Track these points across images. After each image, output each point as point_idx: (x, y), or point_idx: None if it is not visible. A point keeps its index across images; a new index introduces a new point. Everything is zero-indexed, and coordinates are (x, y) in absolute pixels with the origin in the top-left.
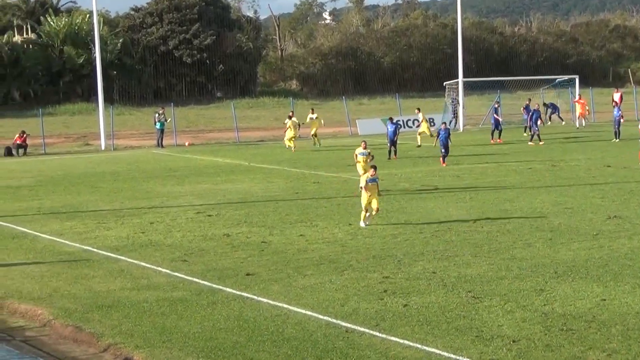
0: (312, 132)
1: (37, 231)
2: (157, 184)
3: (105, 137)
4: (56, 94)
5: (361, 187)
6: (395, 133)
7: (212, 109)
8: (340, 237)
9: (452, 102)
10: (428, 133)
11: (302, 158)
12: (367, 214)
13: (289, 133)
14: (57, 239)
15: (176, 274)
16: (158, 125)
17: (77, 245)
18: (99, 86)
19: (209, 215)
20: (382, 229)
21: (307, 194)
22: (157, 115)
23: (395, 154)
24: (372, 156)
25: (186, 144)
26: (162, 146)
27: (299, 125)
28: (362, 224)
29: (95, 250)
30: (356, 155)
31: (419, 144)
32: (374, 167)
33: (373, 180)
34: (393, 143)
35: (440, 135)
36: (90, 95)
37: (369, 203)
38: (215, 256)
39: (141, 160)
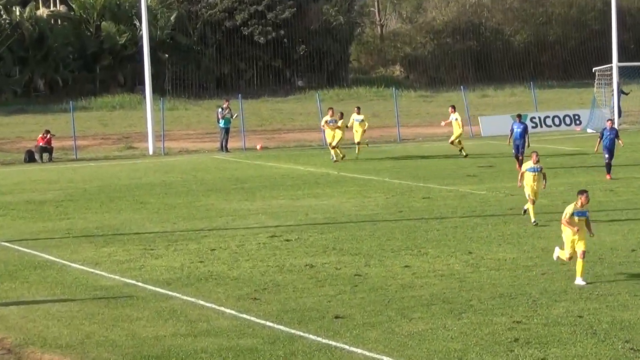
0: (357, 140)
1: (65, 259)
2: (220, 199)
3: (154, 139)
4: (91, 82)
5: (565, 220)
6: (523, 135)
7: (291, 102)
8: (457, 269)
9: (612, 93)
10: (455, 139)
11: (407, 166)
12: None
13: (336, 134)
14: (92, 270)
15: (244, 315)
16: (222, 124)
17: (117, 277)
18: (147, 73)
19: (287, 240)
20: (511, 259)
21: (415, 213)
22: (220, 110)
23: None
24: (545, 175)
25: (257, 147)
26: (226, 150)
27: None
28: (579, 281)
29: (140, 284)
30: (523, 172)
31: (464, 154)
32: (584, 193)
33: (582, 213)
34: (520, 149)
35: (604, 137)
36: (135, 85)
37: (576, 244)
38: (294, 293)
39: (200, 168)
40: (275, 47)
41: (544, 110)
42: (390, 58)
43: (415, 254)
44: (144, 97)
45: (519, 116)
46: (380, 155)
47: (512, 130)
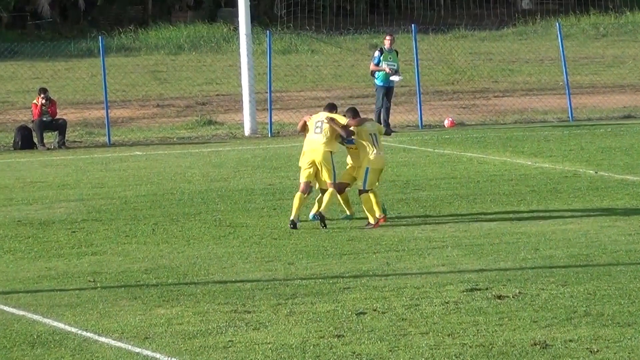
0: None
1: (89, 329)
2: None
3: (254, 107)
4: (137, 2)
5: None
6: None
7: (509, 39)
8: None
9: None
10: None
11: None
12: None
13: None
14: (137, 349)
15: None
16: (380, 79)
17: None
18: None
19: (499, 298)
20: None
21: None
22: (378, 54)
23: None
24: None
25: (446, 122)
26: (387, 128)
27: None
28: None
29: None
30: None
31: None
32: None
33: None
34: None
35: None
36: (219, 7)
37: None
38: None
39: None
40: None
41: None
42: None
43: None
44: (236, 30)
45: None
46: None
47: None
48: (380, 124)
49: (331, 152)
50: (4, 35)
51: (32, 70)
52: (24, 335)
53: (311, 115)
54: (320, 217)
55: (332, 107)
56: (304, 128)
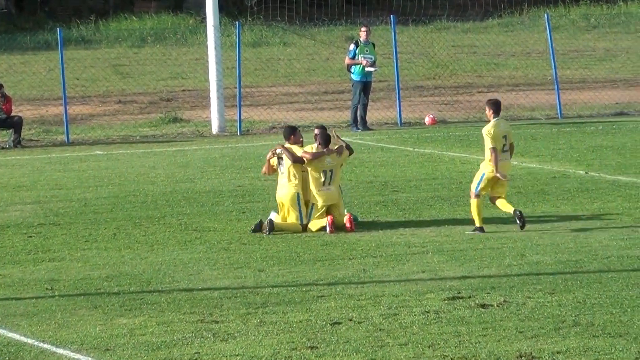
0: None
1: (47, 340)
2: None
3: (222, 104)
4: None
5: None
6: None
7: (494, 31)
8: None
9: None
10: None
11: None
12: None
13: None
14: None
15: None
16: (356, 74)
17: None
18: None
19: (483, 307)
20: None
21: None
22: (354, 47)
23: None
24: None
25: (426, 119)
26: (364, 126)
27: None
28: None
29: None
30: None
31: None
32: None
33: None
34: None
35: None
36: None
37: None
38: None
39: None
40: None
41: None
42: None
43: None
44: (203, 21)
45: None
46: None
47: None
48: (357, 121)
49: (298, 193)
50: None
51: None
52: None
53: (275, 150)
54: (260, 223)
55: (290, 132)
56: (271, 168)
